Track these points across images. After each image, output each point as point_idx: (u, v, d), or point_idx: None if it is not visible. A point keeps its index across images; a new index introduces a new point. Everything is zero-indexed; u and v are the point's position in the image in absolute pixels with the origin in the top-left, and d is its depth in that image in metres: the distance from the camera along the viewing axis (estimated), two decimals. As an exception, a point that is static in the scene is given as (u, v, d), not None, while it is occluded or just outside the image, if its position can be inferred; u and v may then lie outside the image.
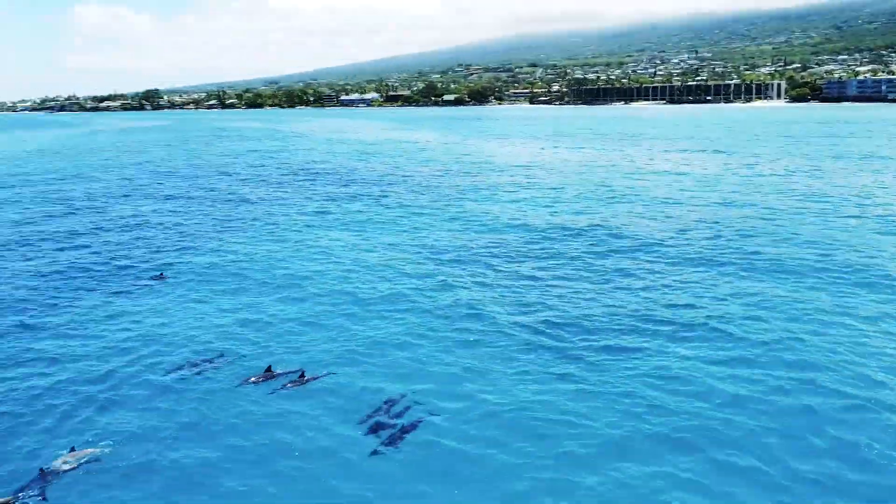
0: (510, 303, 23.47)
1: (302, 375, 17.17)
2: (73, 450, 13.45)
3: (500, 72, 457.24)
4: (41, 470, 12.90)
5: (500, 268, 28.16)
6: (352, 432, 14.85)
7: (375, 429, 14.84)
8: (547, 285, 25.42)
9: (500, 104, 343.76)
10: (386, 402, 15.93)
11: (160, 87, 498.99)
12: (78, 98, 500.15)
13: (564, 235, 33.74)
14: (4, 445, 14.43)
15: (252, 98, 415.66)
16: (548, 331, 20.67)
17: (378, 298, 24.36)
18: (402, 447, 14.23)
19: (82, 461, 13.28)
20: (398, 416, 15.37)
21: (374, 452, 14.01)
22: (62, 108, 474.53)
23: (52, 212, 44.87)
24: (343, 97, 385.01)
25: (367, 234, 35.66)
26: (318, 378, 17.45)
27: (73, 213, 44.10)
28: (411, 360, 18.63)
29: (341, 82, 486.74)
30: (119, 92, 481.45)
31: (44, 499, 12.15)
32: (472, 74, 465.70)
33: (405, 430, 14.73)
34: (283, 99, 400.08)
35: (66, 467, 13.08)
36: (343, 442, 14.50)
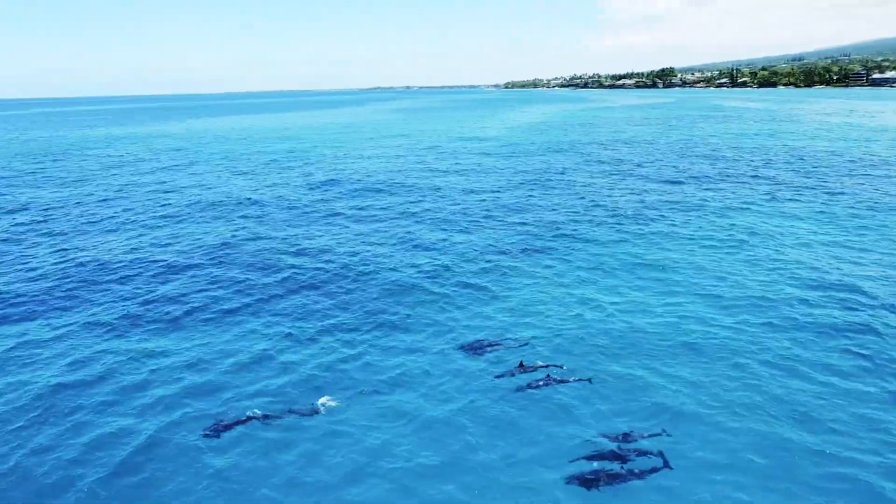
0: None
1: (548, 376, 16.55)
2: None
3: None
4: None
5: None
6: (583, 449, 13.76)
7: (610, 455, 13.44)
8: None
9: None
10: (637, 429, 14.24)
11: (676, 66, 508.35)
12: (599, 76, 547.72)
13: None
14: (320, 382, 17.45)
15: (766, 76, 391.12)
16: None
17: (739, 307, 21.40)
18: (632, 490, 12.60)
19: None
20: (641, 450, 13.57)
21: (601, 482, 12.76)
22: (585, 86, 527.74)
23: (510, 182, 50.40)
24: (875, 75, 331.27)
25: (784, 235, 30.87)
26: (580, 380, 16.61)
27: (522, 184, 49.03)
28: (714, 396, 16.01)
29: (879, 58, 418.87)
30: (636, 71, 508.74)
31: (303, 415, 15.23)
32: None
33: (642, 472, 12.96)
34: (800, 77, 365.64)
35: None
36: (567, 458, 13.55)
